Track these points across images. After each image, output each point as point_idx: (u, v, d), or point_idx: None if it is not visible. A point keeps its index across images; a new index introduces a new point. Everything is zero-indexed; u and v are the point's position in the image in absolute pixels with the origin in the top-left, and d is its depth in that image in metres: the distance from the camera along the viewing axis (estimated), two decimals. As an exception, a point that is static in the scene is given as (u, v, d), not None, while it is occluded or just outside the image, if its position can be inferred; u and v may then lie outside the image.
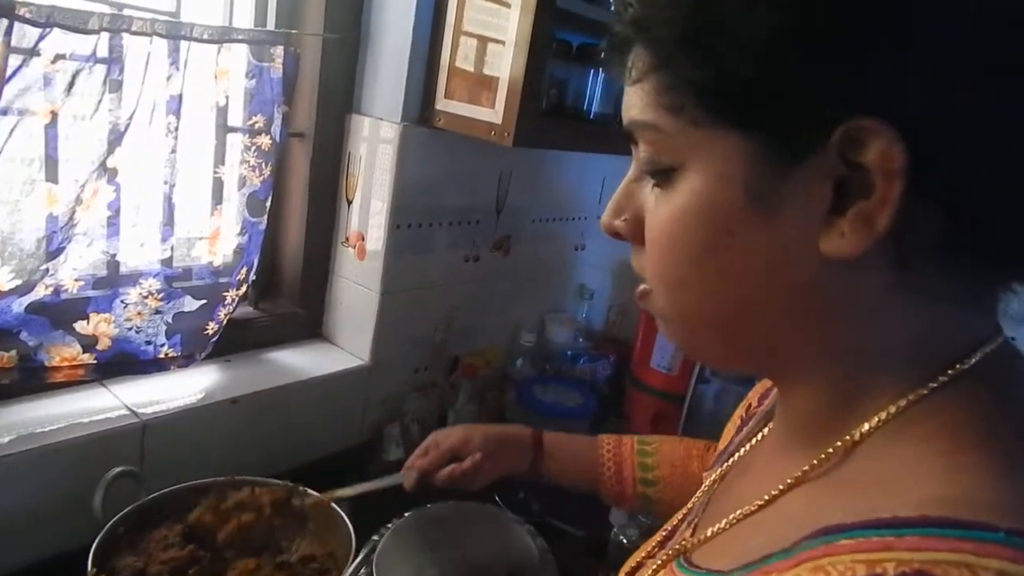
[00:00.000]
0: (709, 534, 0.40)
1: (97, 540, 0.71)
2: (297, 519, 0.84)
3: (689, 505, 0.50)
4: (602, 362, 1.48)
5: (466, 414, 1.27)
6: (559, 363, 1.47)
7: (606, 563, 0.97)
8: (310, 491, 0.84)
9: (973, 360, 0.32)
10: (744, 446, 0.49)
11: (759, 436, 0.48)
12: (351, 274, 1.19)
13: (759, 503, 0.37)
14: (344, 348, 1.22)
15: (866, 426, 0.33)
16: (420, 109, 1.08)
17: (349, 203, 1.17)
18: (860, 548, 0.27)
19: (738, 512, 0.38)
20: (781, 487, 0.36)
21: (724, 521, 0.39)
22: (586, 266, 1.62)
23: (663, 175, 0.35)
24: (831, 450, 0.34)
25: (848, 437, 0.33)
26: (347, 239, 1.18)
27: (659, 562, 0.43)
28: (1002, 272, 0.33)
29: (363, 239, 1.16)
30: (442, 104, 1.06)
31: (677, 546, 0.43)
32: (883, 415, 0.32)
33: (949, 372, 0.32)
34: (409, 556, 0.86)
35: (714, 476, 0.49)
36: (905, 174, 0.28)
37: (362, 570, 0.82)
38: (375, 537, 0.88)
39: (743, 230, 0.33)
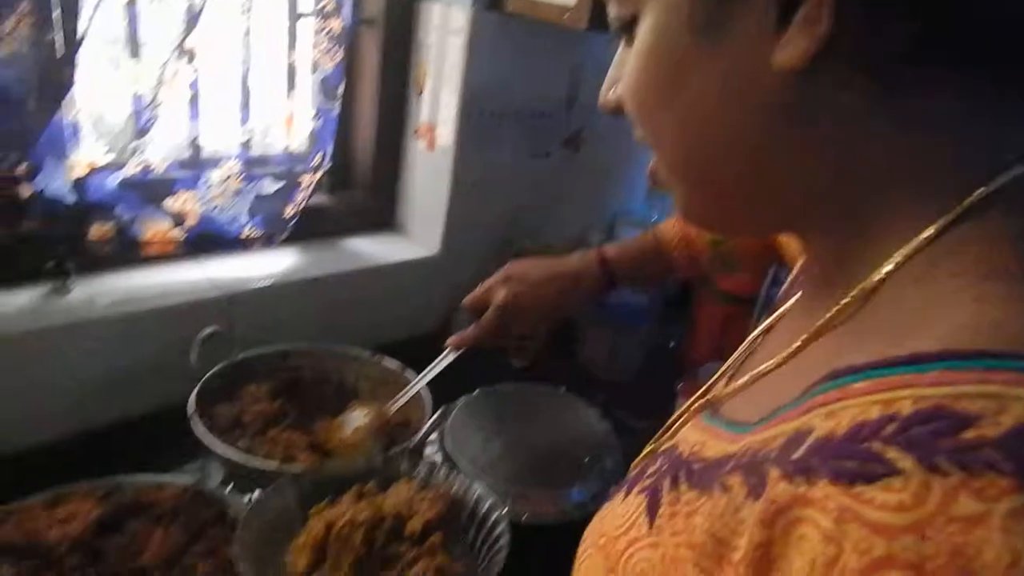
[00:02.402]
0: (736, 386, 0.39)
1: (196, 389, 0.77)
2: (376, 387, 0.88)
3: (732, 357, 0.49)
4: (671, 265, 1.45)
5: (533, 309, 1.29)
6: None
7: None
8: (388, 358, 0.88)
9: (999, 182, 0.29)
10: (789, 299, 0.46)
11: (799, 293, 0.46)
12: (422, 166, 1.20)
13: (779, 358, 0.36)
14: (415, 239, 1.24)
15: (885, 268, 0.30)
16: (491, -7, 1.05)
17: (419, 94, 1.16)
18: (876, 388, 0.25)
19: (761, 367, 0.37)
20: (803, 338, 0.34)
21: (748, 376, 0.38)
22: (658, 168, 1.58)
23: (627, 30, 0.35)
24: (849, 298, 0.32)
25: (866, 282, 0.31)
26: (417, 130, 1.18)
27: (692, 412, 0.43)
28: (1002, 73, 0.29)
29: (433, 131, 1.16)
30: (514, -14, 1.03)
31: (710, 397, 0.42)
32: (900, 255, 0.30)
33: (971, 198, 0.29)
34: (479, 428, 0.90)
35: (758, 329, 0.47)
36: None
37: (433, 435, 0.87)
38: (444, 408, 0.92)
39: (696, 63, 0.32)
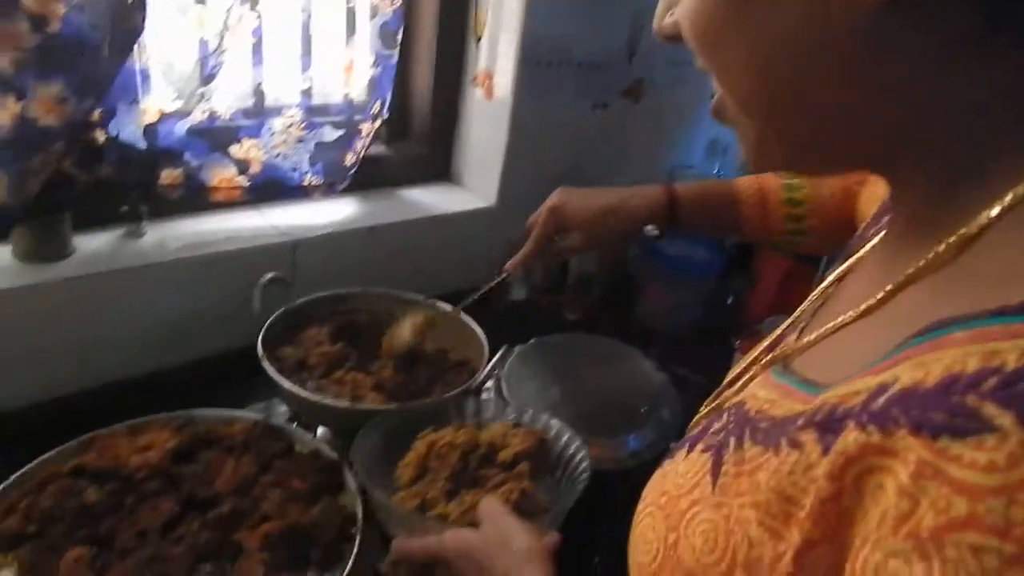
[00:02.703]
0: (810, 340, 0.37)
1: (262, 332, 0.79)
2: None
3: (800, 309, 0.46)
4: (731, 220, 1.42)
5: (586, 262, 1.28)
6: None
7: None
8: (441, 302, 0.90)
9: None
10: (865, 244, 0.43)
11: (878, 237, 0.42)
12: (479, 115, 1.19)
13: (863, 308, 0.33)
14: (471, 190, 1.24)
15: (992, 211, 0.27)
16: (553, -65, 1.02)
17: (478, 41, 1.15)
18: (976, 339, 0.23)
19: (840, 318, 0.34)
20: (888, 288, 0.31)
21: (825, 328, 0.36)
22: (720, 120, 1.52)
23: None
24: (947, 244, 0.29)
25: (969, 226, 0.28)
26: (475, 79, 1.17)
27: (758, 368, 0.41)
28: None
29: (491, 79, 1.14)
30: (576, -75, 0.99)
31: (778, 351, 0.40)
32: (1010, 197, 0.27)
33: None
34: (535, 375, 0.90)
35: (831, 277, 0.44)
36: None
37: (489, 382, 0.87)
38: (501, 353, 0.92)
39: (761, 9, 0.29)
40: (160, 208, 0.92)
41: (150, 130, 0.88)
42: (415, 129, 1.22)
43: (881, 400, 0.25)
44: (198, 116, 0.92)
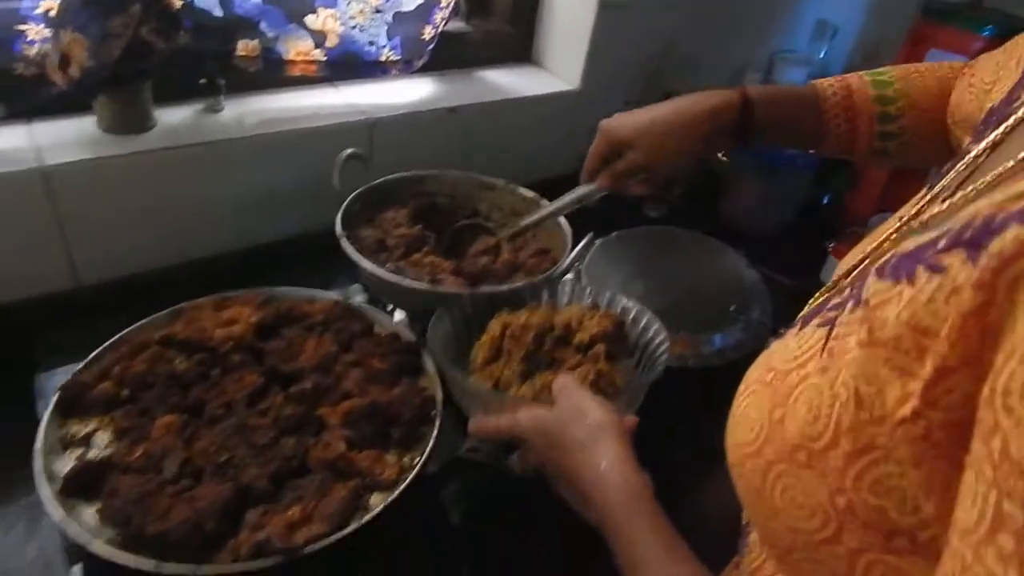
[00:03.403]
0: (953, 203, 0.33)
1: (340, 212, 0.78)
2: (509, 216, 0.86)
3: (944, 181, 0.40)
4: (836, 112, 1.29)
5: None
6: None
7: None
8: (521, 187, 0.86)
9: None
10: (1010, 117, 0.37)
11: None
12: (565, -11, 1.09)
13: (1014, 166, 0.28)
14: (555, 72, 1.16)
15: None
16: None
17: (569, -100, 1.03)
18: None
19: (996, 170, 0.30)
20: None
21: (972, 187, 0.31)
22: (832, -2, 1.36)
23: None
24: None
25: None
26: (564, -55, 1.06)
27: (889, 243, 0.36)
28: None
29: (581, -53, 1.04)
30: None
31: (921, 220, 0.35)
32: None
33: None
34: (618, 267, 0.87)
35: (983, 145, 0.38)
36: None
37: (570, 273, 0.84)
38: (585, 242, 0.88)
39: None
40: (238, 82, 0.90)
41: (225, -2, 0.84)
42: (496, 5, 1.14)
43: None
44: (272, -17, 0.87)
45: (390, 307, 0.78)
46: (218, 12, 0.84)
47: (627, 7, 1.08)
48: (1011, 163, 0.29)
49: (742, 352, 0.79)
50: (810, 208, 1.24)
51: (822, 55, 1.35)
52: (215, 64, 0.86)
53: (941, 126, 0.64)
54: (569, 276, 0.85)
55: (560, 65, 1.15)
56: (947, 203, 0.34)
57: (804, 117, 0.70)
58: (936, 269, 0.25)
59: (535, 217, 0.80)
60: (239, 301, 0.69)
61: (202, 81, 0.86)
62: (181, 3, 0.80)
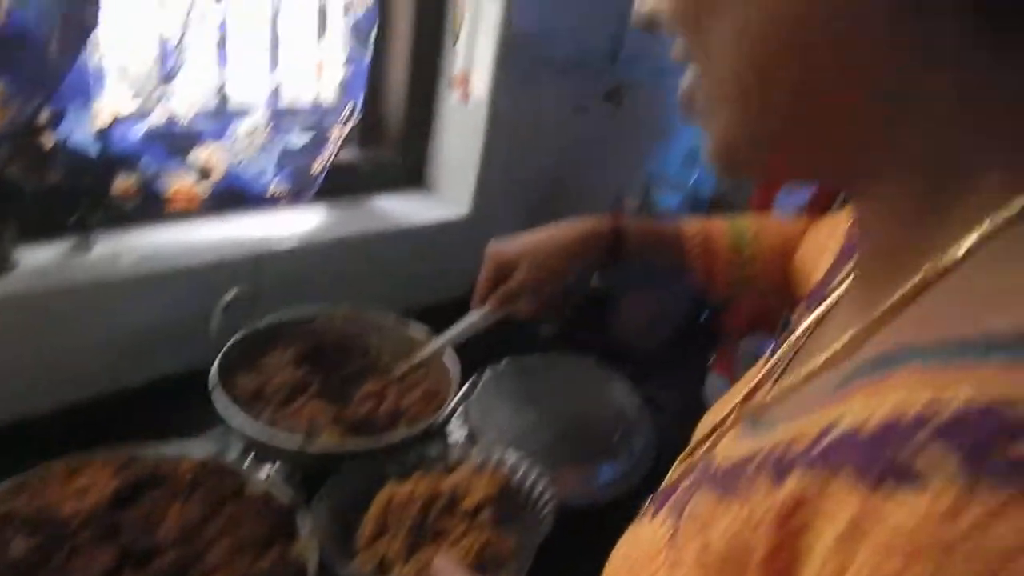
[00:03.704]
0: (780, 391, 0.35)
1: (218, 357, 0.75)
2: (401, 354, 0.86)
3: (776, 357, 0.43)
4: (710, 231, 1.39)
5: (565, 273, 1.25)
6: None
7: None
8: (414, 324, 0.86)
9: None
10: (838, 286, 0.41)
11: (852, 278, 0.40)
12: (455, 119, 1.14)
13: (832, 351, 0.30)
14: (445, 198, 1.19)
15: (967, 243, 0.25)
16: (536, -66, 0.98)
17: (455, 42, 1.10)
18: (928, 373, 0.21)
19: (811, 365, 0.32)
20: (854, 332, 0.29)
21: (794, 377, 0.33)
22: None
23: None
24: (919, 277, 0.26)
25: (944, 258, 0.26)
26: (452, 81, 1.12)
27: (732, 421, 0.39)
28: None
29: (468, 81, 1.10)
30: (561, -74, 0.95)
31: (752, 403, 0.38)
32: (988, 226, 0.24)
33: None
34: (505, 400, 0.87)
35: (807, 323, 0.42)
36: None
37: (460, 409, 0.84)
38: (473, 379, 0.89)
39: None
40: (113, 219, 0.87)
41: (103, 134, 0.83)
42: (388, 134, 1.17)
43: (825, 441, 0.23)
44: (157, 119, 0.86)
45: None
46: (94, 150, 0.82)
47: (515, 137, 1.14)
48: (823, 357, 0.31)
49: (627, 484, 0.81)
50: (693, 323, 1.31)
51: (693, 180, 1.46)
52: (88, 202, 0.83)
53: (786, 279, 0.71)
54: (459, 422, 0.85)
55: (451, 191, 1.19)
56: (770, 394, 0.37)
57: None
58: (748, 491, 0.27)
59: (426, 353, 0.81)
60: (96, 464, 0.64)
61: (72, 219, 0.83)
62: (53, 142, 0.78)
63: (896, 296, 0.27)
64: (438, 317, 0.89)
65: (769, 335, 1.04)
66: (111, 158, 0.84)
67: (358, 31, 0.96)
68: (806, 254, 0.67)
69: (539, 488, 0.68)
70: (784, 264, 0.71)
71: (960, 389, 0.19)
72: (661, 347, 1.24)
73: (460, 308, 1.16)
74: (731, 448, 0.35)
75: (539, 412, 0.86)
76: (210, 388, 0.70)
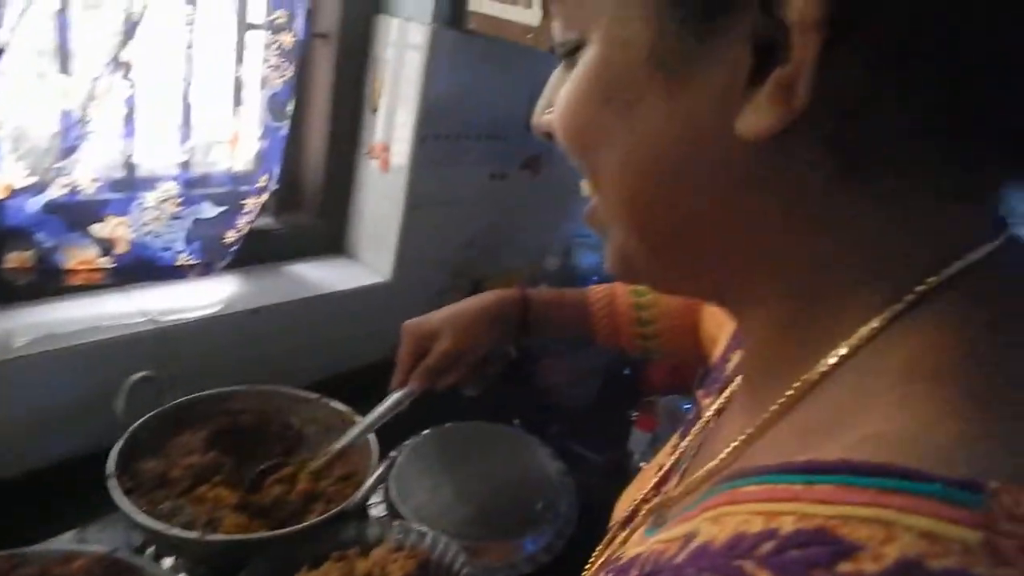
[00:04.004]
0: (679, 493, 0.36)
1: (118, 444, 0.71)
2: (323, 432, 0.83)
3: (684, 444, 0.45)
4: (629, 290, 1.44)
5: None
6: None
7: (625, 488, 0.95)
8: (335, 401, 0.84)
9: (955, 268, 0.26)
10: (734, 375, 0.43)
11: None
12: (374, 187, 1.15)
13: (720, 460, 0.32)
14: (366, 264, 1.19)
15: (829, 360, 0.27)
16: (452, 9, 1.01)
17: (374, 112, 1.11)
18: (763, 497, 0.23)
19: (703, 471, 0.34)
20: (739, 440, 0.31)
21: (693, 480, 0.35)
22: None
23: (571, 55, 0.31)
24: (789, 393, 0.28)
25: (809, 374, 0.28)
26: (371, 150, 1.13)
27: (643, 515, 0.40)
28: (989, 157, 0.26)
29: (387, 151, 1.11)
30: (476, 4, 0.99)
31: (660, 498, 0.39)
32: (846, 347, 0.27)
33: (923, 285, 0.26)
34: (426, 474, 0.86)
35: (712, 409, 0.43)
36: (823, 27, 0.23)
37: (381, 485, 0.82)
38: (393, 454, 0.87)
39: (644, 101, 0.28)
40: (7, 294, 0.82)
41: (-4, 207, 0.79)
42: (307, 201, 1.17)
43: (682, 555, 0.25)
44: (56, 191, 0.83)
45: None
46: (-15, 224, 0.78)
47: (435, 204, 1.15)
48: (708, 467, 0.33)
49: (552, 554, 0.80)
50: (616, 379, 1.33)
51: (612, 241, 1.51)
52: (-23, 278, 0.79)
53: (692, 336, 0.74)
54: (378, 500, 0.82)
55: (372, 257, 1.18)
56: (677, 488, 0.38)
57: (575, 319, 0.81)
58: None
59: (346, 440, 0.77)
60: (-24, 571, 0.59)
61: (-41, 297, 0.78)
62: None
63: (769, 411, 0.29)
64: (359, 382, 0.87)
65: (687, 393, 1.07)
66: (3, 232, 0.79)
67: (275, 104, 0.96)
68: (710, 320, 0.69)
69: (458, 565, 0.66)
70: (690, 325, 0.74)
71: (787, 517, 0.21)
72: (585, 404, 1.25)
73: (381, 374, 1.14)
74: (633, 547, 0.36)
75: (461, 485, 0.85)
76: (107, 476, 0.66)
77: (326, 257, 1.18)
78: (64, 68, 0.80)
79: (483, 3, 0.98)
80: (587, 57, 0.30)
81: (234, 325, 0.95)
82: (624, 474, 1.01)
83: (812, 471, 0.22)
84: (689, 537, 0.25)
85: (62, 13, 0.78)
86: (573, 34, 0.31)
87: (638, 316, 0.78)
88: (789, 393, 0.28)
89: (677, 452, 0.45)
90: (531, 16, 0.91)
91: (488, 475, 0.88)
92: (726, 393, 0.43)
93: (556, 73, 0.36)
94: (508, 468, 0.91)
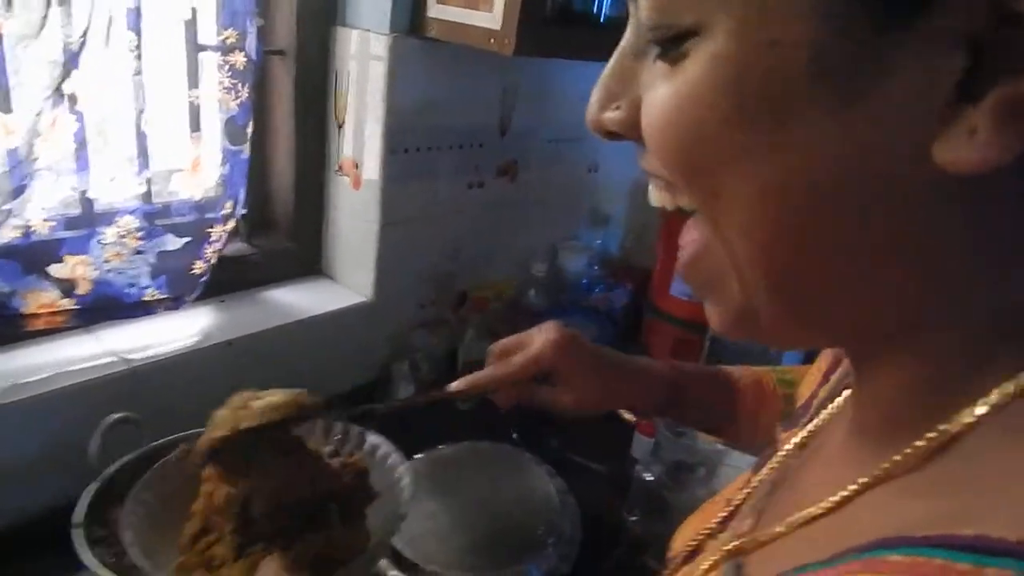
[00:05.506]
0: (767, 537, 0.32)
1: (89, 491, 0.66)
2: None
3: (758, 479, 0.40)
4: (618, 291, 1.40)
5: (477, 350, 1.21)
6: (573, 293, 1.40)
7: (628, 500, 0.92)
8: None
9: None
10: (822, 413, 0.39)
11: (835, 404, 0.37)
12: (347, 205, 1.11)
13: (824, 507, 0.28)
14: (344, 284, 1.15)
15: (977, 411, 0.24)
16: (411, 17, 0.98)
17: (340, 127, 1.08)
18: (912, 569, 0.20)
19: (800, 514, 0.30)
20: (852, 488, 0.27)
21: (784, 524, 0.31)
22: (600, 189, 1.52)
23: (674, 43, 0.24)
24: (919, 444, 0.25)
25: (943, 428, 0.24)
26: (340, 167, 1.09)
27: (714, 556, 0.35)
28: None
29: (357, 167, 1.08)
30: (435, 10, 0.95)
31: (734, 542, 0.34)
32: (993, 401, 0.23)
33: None
34: (419, 503, 0.82)
35: (790, 446, 0.39)
36: None
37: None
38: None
39: (802, 117, 0.22)
40: (-39, 346, 0.78)
41: (-57, 256, 0.75)
42: (278, 223, 1.13)
43: None
44: (8, 234, 0.79)
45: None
46: (-67, 274, 0.74)
47: (412, 217, 1.11)
48: (811, 511, 0.29)
49: None
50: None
51: (598, 242, 1.47)
52: (-72, 332, 0.74)
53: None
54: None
55: (350, 277, 1.14)
56: (755, 530, 0.34)
57: (721, 403, 0.68)
58: None
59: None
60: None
61: (-91, 354, 0.73)
62: None
63: (901, 455, 0.25)
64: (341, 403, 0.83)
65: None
66: (-45, 281, 0.75)
67: (232, 127, 0.92)
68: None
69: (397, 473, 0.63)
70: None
71: None
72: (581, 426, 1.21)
73: (365, 394, 1.10)
74: None
75: (457, 513, 0.81)
76: (72, 525, 0.61)
77: (303, 280, 1.14)
78: (4, 105, 0.76)
79: (444, 9, 0.94)
80: (711, 54, 0.23)
81: (209, 359, 0.91)
82: (628, 485, 0.97)
83: (980, 549, 0.19)
84: None
85: (-3, 47, 0.75)
86: (683, 18, 0.24)
87: (785, 393, 0.67)
88: (915, 447, 0.25)
89: (749, 487, 0.41)
90: (492, 20, 0.88)
91: (485, 500, 0.84)
92: (810, 427, 0.39)
93: (618, 57, 0.29)
94: (506, 490, 0.86)
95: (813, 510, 0.29)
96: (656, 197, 0.30)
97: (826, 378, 0.43)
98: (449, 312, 1.25)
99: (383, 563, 0.73)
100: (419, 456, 0.89)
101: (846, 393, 0.36)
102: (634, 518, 0.90)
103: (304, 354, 1.03)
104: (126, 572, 0.59)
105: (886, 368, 0.28)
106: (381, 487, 0.61)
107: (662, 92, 0.25)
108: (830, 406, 0.38)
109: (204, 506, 0.56)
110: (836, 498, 0.28)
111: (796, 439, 0.39)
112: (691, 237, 0.29)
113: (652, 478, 0.88)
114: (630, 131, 0.28)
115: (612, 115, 0.29)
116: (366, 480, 0.61)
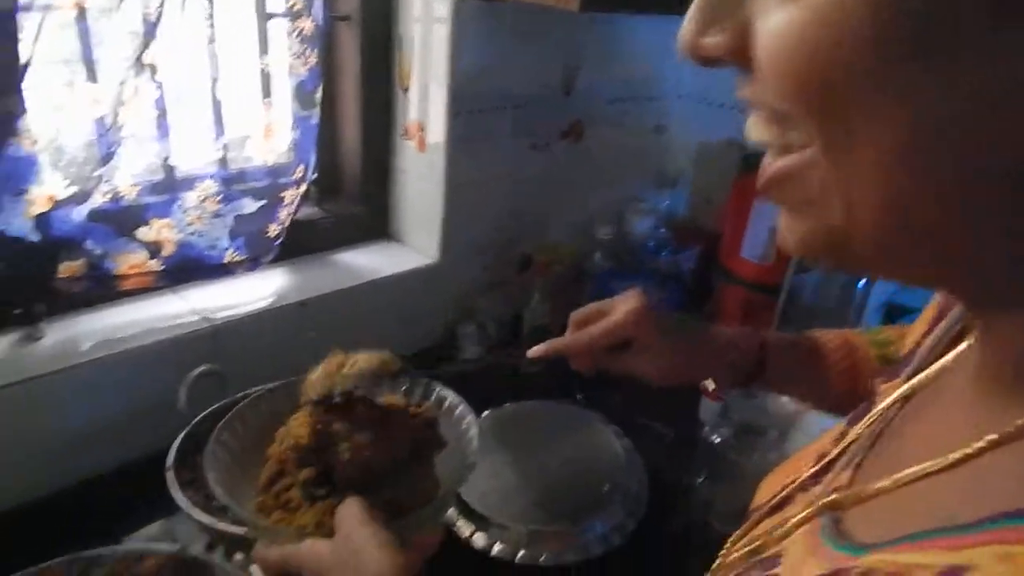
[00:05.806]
0: (869, 492, 0.30)
1: (179, 437, 0.71)
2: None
3: (855, 432, 0.38)
4: (686, 253, 1.37)
5: (540, 313, 1.22)
6: (640, 256, 1.38)
7: (695, 463, 0.91)
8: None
9: None
10: (931, 365, 0.36)
11: (952, 355, 0.35)
12: (413, 168, 1.13)
13: (943, 462, 0.26)
14: (411, 247, 1.17)
15: None
16: (474, -24, 0.97)
17: (405, 91, 1.09)
18: None
19: (912, 469, 0.28)
20: (977, 446, 0.25)
21: (890, 480, 0.29)
22: (666, 150, 1.49)
23: None
24: None
25: None
26: (406, 131, 1.11)
27: (808, 509, 0.33)
28: None
29: (423, 130, 1.08)
30: (498, -32, 0.94)
31: (828, 497, 0.32)
32: None
33: None
34: (487, 459, 0.83)
35: (895, 396, 0.37)
36: None
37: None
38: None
39: (966, 53, 0.20)
40: (62, 305, 0.83)
41: (42, 220, 0.80)
42: (347, 188, 1.15)
43: None
44: (99, 199, 0.84)
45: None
46: (35, 237, 0.79)
47: (476, 180, 1.12)
48: (930, 464, 0.27)
49: (625, 534, 0.77)
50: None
51: (665, 204, 1.44)
52: (31, 290, 0.80)
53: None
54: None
55: (417, 239, 1.16)
56: (851, 484, 0.33)
57: (809, 370, 0.66)
58: None
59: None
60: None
61: (16, 311, 0.79)
62: (-12, 235, 0.75)
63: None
64: (414, 366, 0.85)
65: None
66: (52, 243, 0.80)
67: (301, 93, 0.94)
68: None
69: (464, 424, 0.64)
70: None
71: None
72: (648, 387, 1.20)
73: (431, 356, 1.13)
74: (803, 553, 0.31)
75: (523, 469, 0.82)
76: (166, 469, 0.66)
77: (371, 243, 1.17)
78: (91, 76, 0.80)
79: (506, -35, 0.93)
80: None
81: (284, 318, 0.95)
82: (695, 447, 0.96)
83: None
84: (957, 569, 0.20)
85: (81, 20, 0.78)
86: None
87: (882, 357, 0.65)
88: None
89: (846, 440, 0.39)
90: (558, -26, 0.86)
91: (551, 457, 0.85)
92: (916, 379, 0.36)
93: None
94: (572, 448, 0.87)
95: (928, 465, 0.27)
96: (757, 131, 0.27)
97: (931, 328, 0.40)
98: (513, 275, 1.26)
99: (452, 514, 0.76)
100: (484, 413, 0.90)
101: (964, 344, 0.34)
102: (700, 480, 0.89)
103: (374, 314, 1.06)
104: (212, 511, 0.64)
105: (1014, 322, 0.26)
106: (449, 438, 0.63)
107: (787, 20, 0.22)
108: (944, 358, 0.35)
109: (278, 451, 0.58)
110: (957, 455, 0.26)
111: (900, 391, 0.37)
112: (780, 162, 0.26)
113: (719, 440, 0.87)
114: (735, 57, 0.26)
115: (713, 39, 0.26)
116: (436, 428, 0.62)
